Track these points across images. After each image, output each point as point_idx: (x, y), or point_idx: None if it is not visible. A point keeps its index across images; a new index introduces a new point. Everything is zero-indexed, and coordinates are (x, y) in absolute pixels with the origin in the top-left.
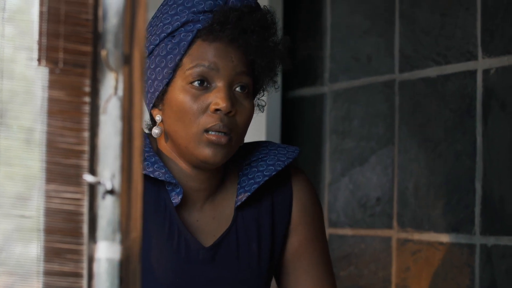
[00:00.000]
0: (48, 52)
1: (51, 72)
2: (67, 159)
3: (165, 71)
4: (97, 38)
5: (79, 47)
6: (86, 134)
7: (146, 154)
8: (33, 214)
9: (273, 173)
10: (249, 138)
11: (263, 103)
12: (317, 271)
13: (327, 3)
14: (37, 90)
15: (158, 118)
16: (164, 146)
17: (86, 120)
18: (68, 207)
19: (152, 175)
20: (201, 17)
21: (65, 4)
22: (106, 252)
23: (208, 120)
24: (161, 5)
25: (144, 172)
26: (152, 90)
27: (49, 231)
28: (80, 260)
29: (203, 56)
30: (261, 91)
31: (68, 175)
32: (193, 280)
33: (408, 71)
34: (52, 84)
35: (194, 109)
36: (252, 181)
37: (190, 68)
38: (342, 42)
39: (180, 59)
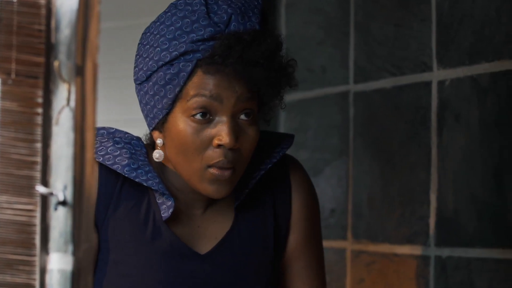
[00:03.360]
0: (1, 62)
1: (4, 83)
2: (20, 170)
3: (164, 101)
4: (49, 49)
5: (31, 58)
6: (38, 145)
7: (141, 163)
8: None
9: (268, 166)
10: None
11: (270, 117)
12: (310, 272)
13: (282, 14)
14: None
15: (159, 141)
16: (167, 158)
17: (39, 131)
18: (20, 218)
19: (145, 184)
20: (201, 47)
21: (17, 15)
22: (58, 263)
23: (211, 156)
24: (158, 21)
25: (137, 179)
26: (152, 116)
27: (1, 242)
28: (33, 271)
29: (204, 86)
30: (267, 111)
31: (20, 186)
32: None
33: (363, 82)
34: (5, 95)
35: (196, 144)
36: (249, 176)
37: (191, 99)
38: (296, 53)
39: (180, 90)
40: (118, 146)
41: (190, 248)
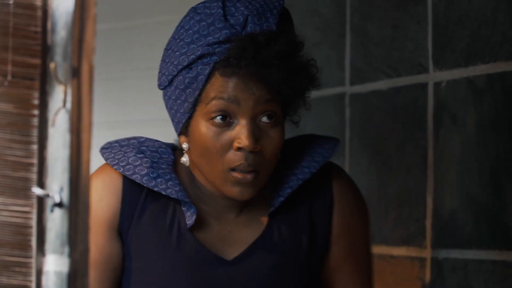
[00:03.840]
0: None
1: (0, 84)
2: (16, 172)
3: (185, 105)
4: (45, 51)
5: (27, 60)
6: (34, 147)
7: (161, 171)
8: None
9: (307, 176)
10: None
11: (298, 119)
12: (356, 283)
13: None
14: None
15: (185, 146)
16: (192, 162)
17: (35, 132)
18: (16, 220)
19: (164, 193)
20: (217, 49)
21: (13, 17)
22: (55, 265)
23: (233, 159)
24: (179, 25)
25: (155, 189)
26: (176, 120)
27: None
28: (29, 273)
29: (222, 89)
30: (292, 113)
31: (16, 188)
32: None
33: (359, 84)
34: (0, 97)
35: (217, 147)
36: (287, 185)
37: (210, 102)
38: None
39: (199, 94)
40: (140, 156)
41: (215, 254)
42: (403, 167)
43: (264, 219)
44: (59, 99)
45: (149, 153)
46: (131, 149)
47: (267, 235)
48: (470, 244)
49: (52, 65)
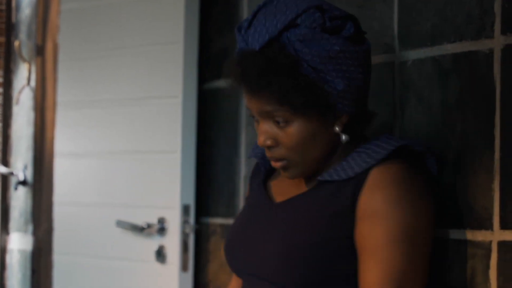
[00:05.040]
0: None
1: None
2: None
3: None
4: (10, 29)
5: None
6: None
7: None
8: None
9: (361, 170)
10: (164, 129)
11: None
12: (371, 272)
13: (244, 3)
14: None
15: None
16: None
17: None
18: None
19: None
20: None
21: None
22: (19, 243)
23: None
24: None
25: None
26: None
27: None
28: None
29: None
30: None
31: None
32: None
33: None
34: None
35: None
36: (347, 167)
37: None
38: None
39: None
40: None
41: (269, 199)
42: None
43: (314, 185)
44: (23, 77)
45: None
46: None
47: (308, 193)
48: (439, 224)
49: (16, 43)
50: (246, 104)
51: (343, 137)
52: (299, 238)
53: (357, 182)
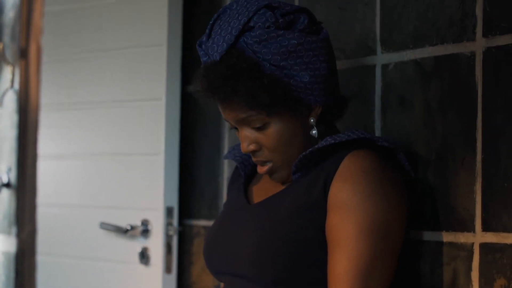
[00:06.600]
0: None
1: None
2: None
3: None
4: None
5: None
6: None
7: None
8: None
9: (325, 144)
10: (147, 131)
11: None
12: (338, 264)
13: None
14: None
15: None
16: None
17: None
18: None
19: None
20: None
21: None
22: (2, 245)
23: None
24: None
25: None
26: None
27: None
28: None
29: None
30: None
31: None
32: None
33: None
34: None
35: None
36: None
37: None
38: None
39: None
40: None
41: (246, 200)
42: None
43: (290, 182)
44: (7, 80)
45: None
46: None
47: (284, 191)
48: (421, 226)
49: (0, 46)
50: (223, 117)
51: (313, 131)
52: (271, 233)
53: (329, 172)
